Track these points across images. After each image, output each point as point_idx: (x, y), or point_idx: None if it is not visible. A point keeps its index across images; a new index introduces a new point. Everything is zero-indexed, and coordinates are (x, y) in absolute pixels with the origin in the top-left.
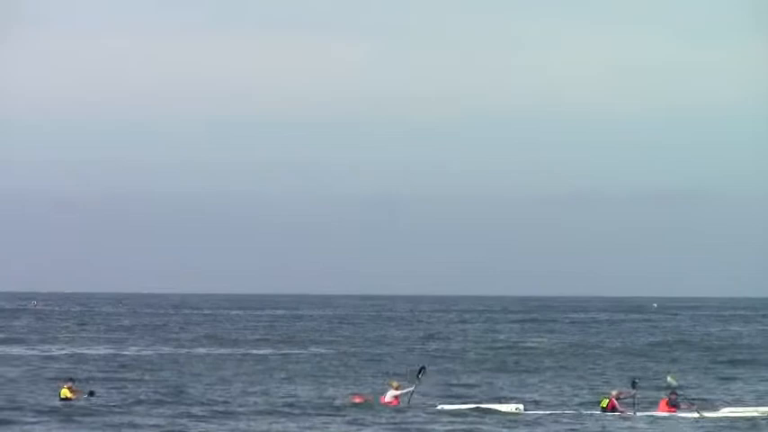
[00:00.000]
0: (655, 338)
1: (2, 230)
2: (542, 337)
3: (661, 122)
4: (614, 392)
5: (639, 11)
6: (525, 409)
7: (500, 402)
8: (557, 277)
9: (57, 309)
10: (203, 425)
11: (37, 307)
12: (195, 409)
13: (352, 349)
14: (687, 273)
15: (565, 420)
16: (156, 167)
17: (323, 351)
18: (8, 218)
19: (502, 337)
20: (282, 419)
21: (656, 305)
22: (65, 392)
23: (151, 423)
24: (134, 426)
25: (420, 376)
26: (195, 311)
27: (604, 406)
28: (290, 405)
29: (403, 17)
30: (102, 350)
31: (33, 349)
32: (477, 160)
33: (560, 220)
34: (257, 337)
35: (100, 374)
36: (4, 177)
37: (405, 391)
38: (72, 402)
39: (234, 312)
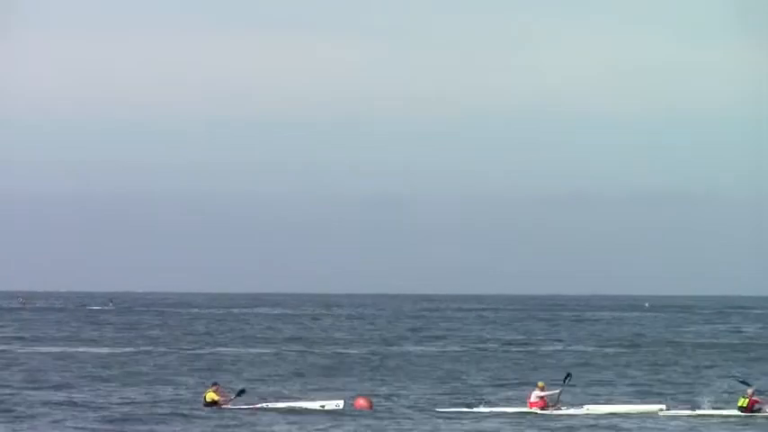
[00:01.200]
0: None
1: (2, 230)
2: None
3: (661, 123)
4: (750, 390)
5: (639, 11)
6: (668, 409)
7: (639, 403)
8: (557, 277)
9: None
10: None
11: (26, 305)
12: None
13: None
14: (686, 272)
15: (708, 420)
16: (156, 167)
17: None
18: (8, 218)
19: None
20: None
21: (647, 304)
22: (211, 396)
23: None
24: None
25: (566, 381)
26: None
27: (744, 405)
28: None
29: (403, 17)
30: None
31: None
32: (477, 160)
33: (560, 220)
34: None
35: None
36: (4, 177)
37: (551, 393)
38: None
39: (311, 313)
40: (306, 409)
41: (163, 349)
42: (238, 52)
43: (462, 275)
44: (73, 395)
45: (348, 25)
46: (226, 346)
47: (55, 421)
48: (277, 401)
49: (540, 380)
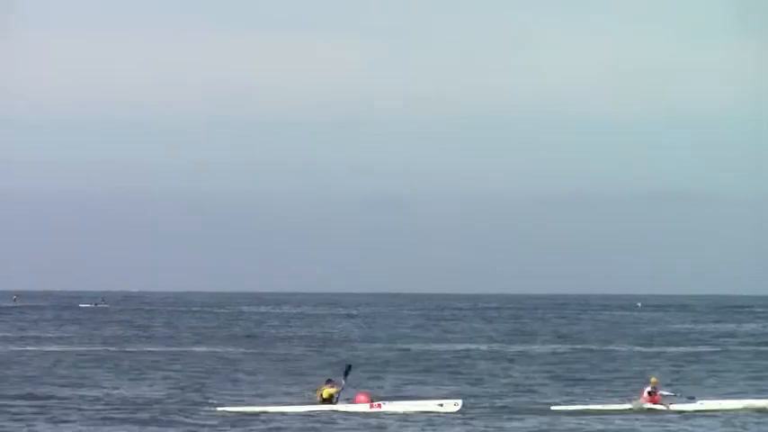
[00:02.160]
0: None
1: (1, 230)
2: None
3: (661, 123)
4: None
5: (639, 11)
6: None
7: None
8: (556, 277)
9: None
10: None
11: (18, 303)
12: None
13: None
14: (686, 272)
15: None
16: (156, 167)
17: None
18: (8, 218)
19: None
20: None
21: (639, 304)
22: (327, 392)
23: None
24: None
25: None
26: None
27: None
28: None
29: (403, 17)
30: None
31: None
32: (477, 160)
33: (560, 220)
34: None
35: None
36: (4, 177)
37: (665, 393)
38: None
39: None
40: (421, 409)
41: (162, 347)
42: (238, 52)
43: (462, 275)
44: (57, 393)
45: (348, 25)
46: (224, 344)
47: (54, 420)
48: (392, 400)
49: (654, 375)
